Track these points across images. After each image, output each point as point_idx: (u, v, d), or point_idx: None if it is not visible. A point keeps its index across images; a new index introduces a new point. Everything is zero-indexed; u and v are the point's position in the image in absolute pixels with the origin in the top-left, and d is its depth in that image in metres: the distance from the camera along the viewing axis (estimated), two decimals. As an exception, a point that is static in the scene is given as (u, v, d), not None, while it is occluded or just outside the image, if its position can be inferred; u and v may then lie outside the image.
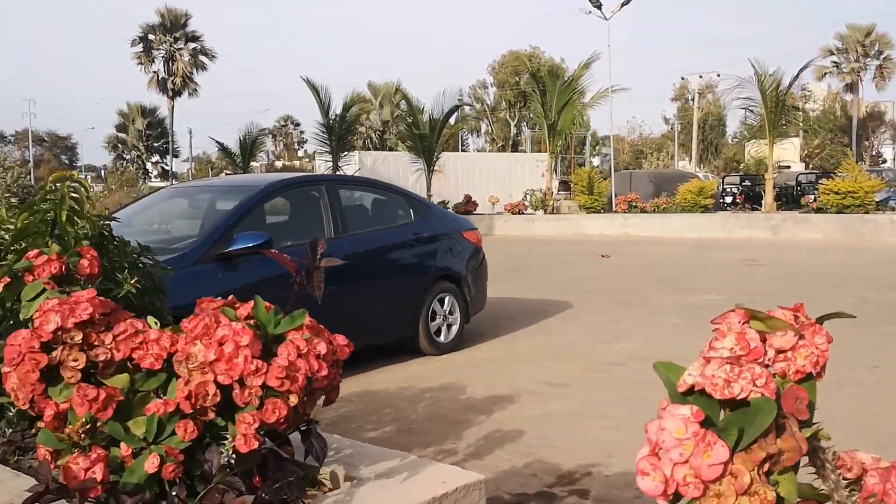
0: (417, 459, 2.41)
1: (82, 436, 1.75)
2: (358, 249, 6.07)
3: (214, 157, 59.20)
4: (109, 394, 1.75)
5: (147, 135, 57.09)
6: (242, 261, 5.26)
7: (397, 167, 26.62)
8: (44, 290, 2.27)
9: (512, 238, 20.36)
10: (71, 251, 2.34)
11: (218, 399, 1.60)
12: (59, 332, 1.84)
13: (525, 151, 51.55)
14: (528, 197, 23.36)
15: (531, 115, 63.22)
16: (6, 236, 3.20)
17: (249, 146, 25.86)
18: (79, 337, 1.84)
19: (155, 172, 59.47)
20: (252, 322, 1.73)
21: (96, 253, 2.37)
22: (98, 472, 1.69)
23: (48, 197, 2.68)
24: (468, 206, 22.82)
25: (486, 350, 6.93)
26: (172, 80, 49.56)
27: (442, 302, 6.79)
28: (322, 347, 1.67)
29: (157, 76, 50.05)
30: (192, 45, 50.04)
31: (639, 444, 1.04)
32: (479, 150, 61.19)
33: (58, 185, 2.67)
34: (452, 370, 6.22)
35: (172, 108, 51.14)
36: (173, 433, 1.77)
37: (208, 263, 5.17)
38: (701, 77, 55.62)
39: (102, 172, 63.01)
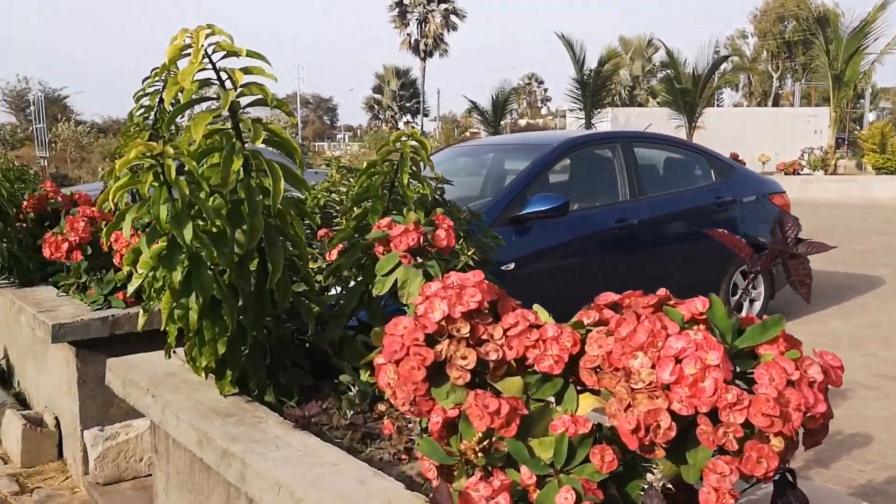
0: None
1: (478, 454, 1.41)
2: (654, 214, 5.50)
3: (459, 117, 60.64)
4: (513, 406, 1.39)
5: (400, 95, 59.67)
6: (535, 225, 4.90)
7: (653, 123, 25.26)
8: (399, 264, 1.99)
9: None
10: (426, 220, 2.04)
11: (673, 434, 1.18)
12: (445, 323, 1.51)
13: (786, 106, 47.10)
14: (806, 155, 21.11)
15: (795, 67, 57.60)
16: (341, 199, 3.07)
17: (501, 104, 25.84)
18: (466, 329, 1.51)
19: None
20: (705, 328, 1.28)
21: (452, 222, 2.05)
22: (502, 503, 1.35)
23: (388, 157, 2.43)
24: (734, 165, 21.08)
25: (796, 330, 6.03)
26: (425, 42, 51.15)
27: (745, 275, 6.04)
28: (816, 372, 1.19)
29: (410, 38, 51.90)
30: (443, 7, 51.20)
31: None
32: (735, 105, 56.96)
33: (398, 143, 2.40)
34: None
35: (424, 68, 52.90)
36: (585, 460, 1.39)
37: (501, 227, 4.87)
38: None
39: (358, 132, 67.07)
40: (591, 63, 24.17)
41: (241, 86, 2.07)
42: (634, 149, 5.59)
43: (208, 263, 2.03)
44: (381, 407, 2.34)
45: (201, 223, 2.05)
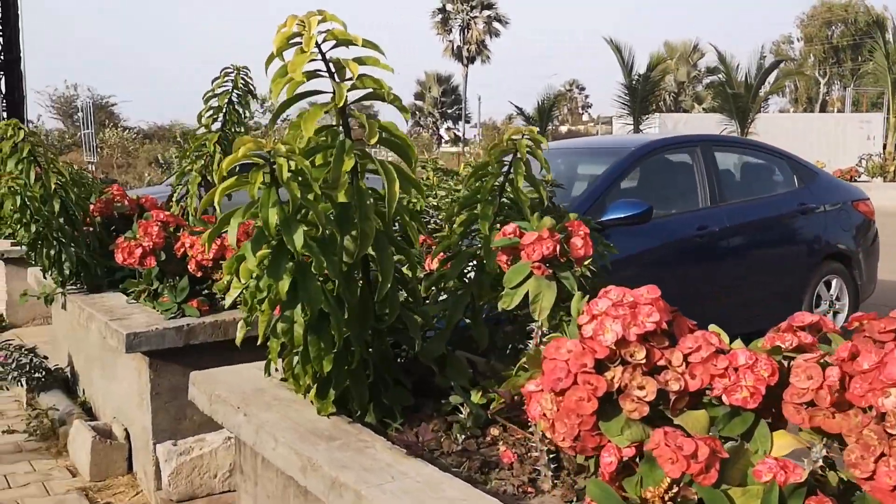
0: None
1: (666, 502, 1.20)
2: (736, 222, 5.22)
3: (500, 123, 60.38)
4: (713, 449, 1.18)
5: (441, 101, 59.61)
6: (613, 233, 4.66)
7: (701, 130, 24.77)
8: (530, 275, 1.79)
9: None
10: (559, 226, 1.84)
11: (943, 491, 0.97)
12: (617, 347, 1.31)
13: (832, 112, 46.02)
14: (864, 162, 20.49)
15: (842, 72, 56.21)
16: (438, 203, 2.88)
17: (547, 110, 25.57)
18: (641, 354, 1.30)
19: (446, 138, 62.05)
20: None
21: (588, 229, 1.84)
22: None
23: (502, 159, 2.23)
24: (787, 172, 20.53)
25: None
26: (467, 48, 51.05)
27: (828, 285, 5.73)
28: None
29: (453, 45, 51.85)
30: (486, 13, 51.07)
31: None
32: (781, 111, 55.90)
33: (514, 140, 2.20)
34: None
35: (466, 75, 52.81)
36: (796, 513, 1.17)
37: (577, 234, 4.64)
38: None
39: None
40: (640, 68, 23.81)
41: (354, 78, 1.89)
42: (715, 153, 5.32)
43: (315, 273, 1.85)
44: (495, 431, 2.14)
45: (306, 229, 1.87)
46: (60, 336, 4.76)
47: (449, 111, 60.55)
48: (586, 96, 73.85)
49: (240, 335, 2.06)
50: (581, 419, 1.29)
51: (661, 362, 1.30)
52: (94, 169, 28.56)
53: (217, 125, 4.18)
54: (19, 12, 16.51)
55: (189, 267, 3.33)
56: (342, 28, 1.82)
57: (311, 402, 2.17)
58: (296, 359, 2.04)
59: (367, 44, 1.85)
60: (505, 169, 2.27)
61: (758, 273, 5.29)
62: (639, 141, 5.34)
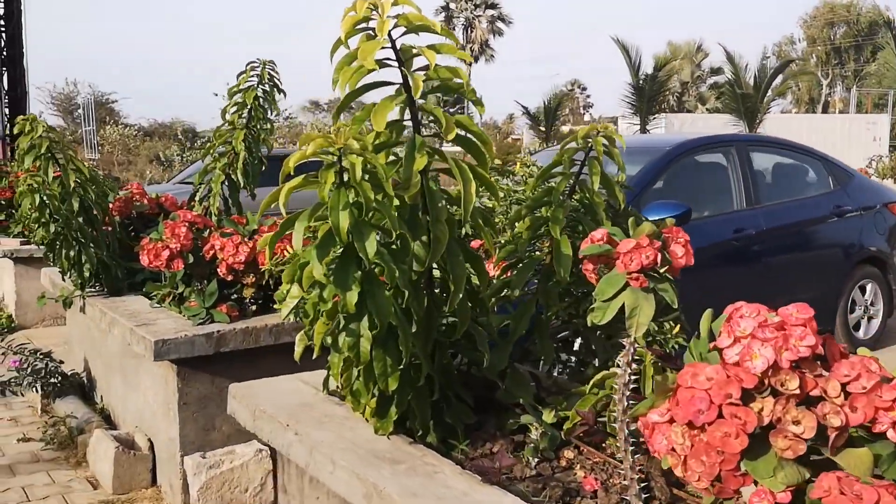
0: None
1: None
2: (772, 225, 5.05)
3: (501, 123, 60.16)
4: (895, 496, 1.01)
5: (444, 101, 59.39)
6: (648, 234, 4.49)
7: (708, 130, 24.61)
8: (626, 287, 1.62)
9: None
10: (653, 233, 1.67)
11: None
12: (766, 374, 1.14)
13: (833, 113, 45.85)
14: (874, 164, 20.34)
15: (844, 73, 56.05)
16: (500, 206, 2.70)
17: (553, 110, 25.42)
18: (794, 384, 1.13)
19: (450, 137, 61.75)
20: None
21: (687, 237, 1.68)
22: None
23: (573, 158, 2.07)
24: (795, 173, 20.37)
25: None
26: (470, 47, 50.83)
27: (863, 290, 5.57)
28: None
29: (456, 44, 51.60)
30: (490, 13, 50.84)
31: None
32: (783, 112, 55.79)
33: (589, 139, 2.04)
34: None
35: (469, 74, 52.56)
36: None
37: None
38: None
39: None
40: (645, 69, 23.66)
41: (424, 68, 1.72)
42: (750, 153, 5.15)
43: (386, 283, 1.68)
44: (569, 454, 1.97)
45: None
46: (75, 339, 4.59)
47: (451, 111, 60.33)
48: (588, 96, 73.70)
49: (299, 349, 1.90)
50: (724, 457, 1.12)
51: (815, 392, 1.13)
52: (95, 166, 28.41)
53: (244, 120, 4.01)
54: (22, 7, 16.33)
55: (219, 270, 3.16)
56: (416, 11, 1.66)
57: (367, 419, 2.01)
58: (355, 373, 1.87)
59: (445, 31, 1.68)
60: (575, 169, 2.11)
61: (793, 278, 5.13)
62: (673, 140, 5.17)
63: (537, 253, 2.17)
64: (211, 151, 4.04)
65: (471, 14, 50.55)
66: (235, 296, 3.28)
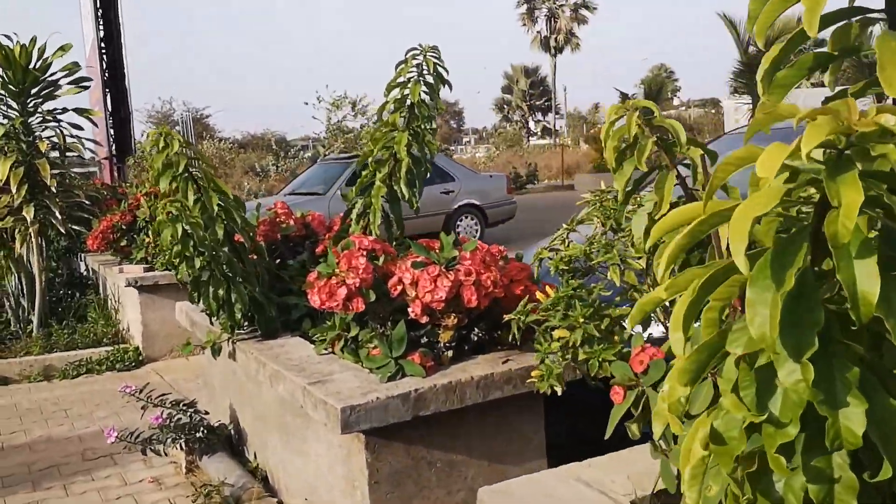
0: None
1: None
2: None
3: (585, 112, 58.61)
4: None
5: (530, 94, 58.29)
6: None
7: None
8: None
9: None
10: None
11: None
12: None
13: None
14: None
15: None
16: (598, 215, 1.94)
17: (656, 94, 24.18)
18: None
19: (535, 131, 60.58)
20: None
21: None
22: None
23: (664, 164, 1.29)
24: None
25: None
26: (555, 38, 49.61)
27: None
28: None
29: (540, 35, 50.47)
30: (572, 0, 49.46)
31: None
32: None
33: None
34: None
35: (555, 65, 51.42)
36: None
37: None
38: None
39: (483, 134, 66.19)
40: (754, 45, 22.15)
41: None
42: None
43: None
44: None
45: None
46: (217, 383, 4.03)
47: (538, 103, 59.08)
48: (675, 80, 71.24)
49: (610, 428, 1.16)
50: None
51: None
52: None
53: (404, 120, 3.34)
54: (121, 28, 16.38)
55: (411, 311, 2.48)
56: None
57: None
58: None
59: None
60: None
61: None
62: None
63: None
64: (369, 159, 3.38)
65: (553, 4, 49.28)
66: (425, 339, 2.60)
